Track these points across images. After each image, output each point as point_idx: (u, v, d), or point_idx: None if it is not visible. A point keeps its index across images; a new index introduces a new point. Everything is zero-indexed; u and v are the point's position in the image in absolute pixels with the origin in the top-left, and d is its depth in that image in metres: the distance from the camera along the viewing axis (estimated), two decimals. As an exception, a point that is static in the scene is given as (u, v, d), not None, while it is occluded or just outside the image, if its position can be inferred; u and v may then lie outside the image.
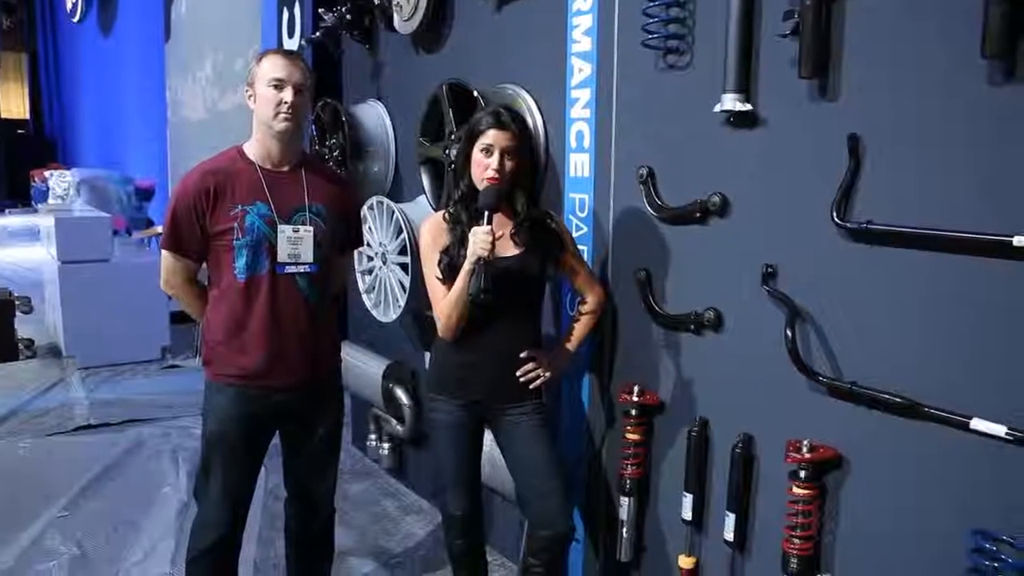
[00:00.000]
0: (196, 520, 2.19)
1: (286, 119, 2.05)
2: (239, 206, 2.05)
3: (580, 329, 2.24)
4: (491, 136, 2.03)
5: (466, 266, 1.99)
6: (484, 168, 2.02)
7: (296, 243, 2.09)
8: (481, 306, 1.99)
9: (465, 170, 2.08)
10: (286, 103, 2.03)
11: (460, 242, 2.06)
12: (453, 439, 2.18)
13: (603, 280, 2.32)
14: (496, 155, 2.02)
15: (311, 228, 2.11)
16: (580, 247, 2.32)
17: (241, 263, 2.06)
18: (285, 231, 2.07)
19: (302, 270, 2.10)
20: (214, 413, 2.14)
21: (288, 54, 2.12)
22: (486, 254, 1.94)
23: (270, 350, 2.09)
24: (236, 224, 2.04)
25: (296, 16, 4.24)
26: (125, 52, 9.77)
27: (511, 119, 2.06)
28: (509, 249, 2.09)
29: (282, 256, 2.08)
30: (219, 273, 2.11)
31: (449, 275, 2.07)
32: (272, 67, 2.04)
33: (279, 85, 2.03)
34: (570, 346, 2.24)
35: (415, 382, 3.38)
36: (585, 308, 2.23)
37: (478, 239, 1.95)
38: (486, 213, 1.98)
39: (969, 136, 1.51)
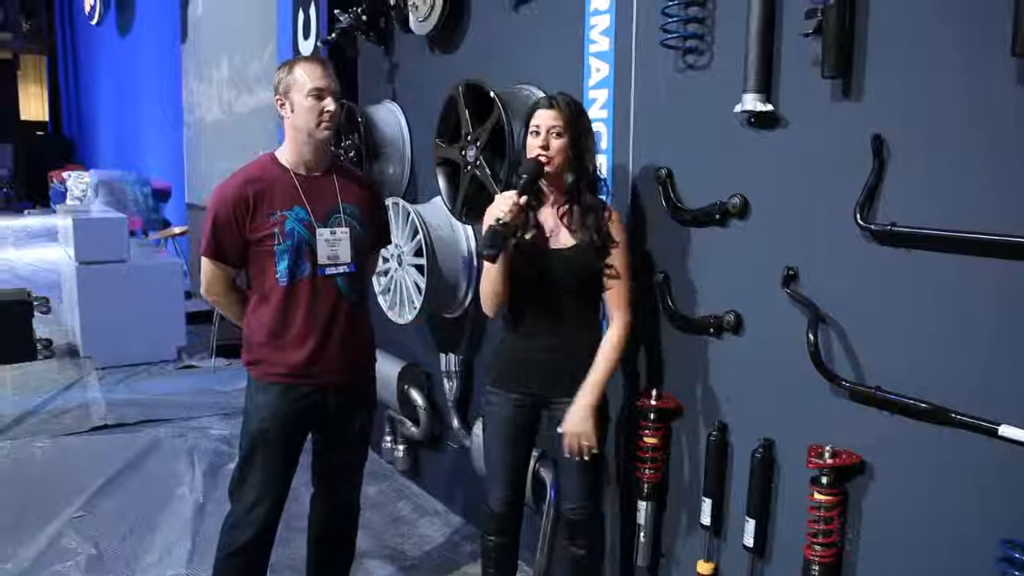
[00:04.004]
0: (230, 518, 2.21)
1: (328, 127, 2.10)
2: (278, 212, 2.10)
3: (598, 371, 2.05)
4: (538, 117, 2.03)
5: (485, 225, 1.98)
6: (533, 150, 2.03)
7: (334, 245, 2.14)
8: (489, 260, 1.97)
9: (524, 158, 2.08)
10: (329, 112, 2.09)
11: (522, 226, 2.05)
12: (502, 434, 2.18)
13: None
14: (543, 134, 2.01)
15: (347, 230, 2.16)
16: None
17: (283, 267, 2.10)
18: (323, 234, 2.12)
19: (341, 271, 2.16)
20: (257, 412, 2.17)
21: (322, 62, 2.17)
22: (504, 216, 1.94)
23: (314, 349, 2.14)
24: (277, 230, 2.09)
25: (312, 17, 4.24)
26: (142, 54, 9.84)
27: (561, 99, 2.04)
28: (566, 240, 2.07)
29: (322, 259, 2.13)
30: (261, 277, 2.14)
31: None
32: (311, 76, 2.08)
33: (319, 95, 2.07)
34: (586, 400, 2.03)
35: (430, 384, 3.37)
36: (605, 340, 2.07)
37: (501, 201, 1.97)
38: (521, 180, 1.98)
39: (997, 136, 1.48)
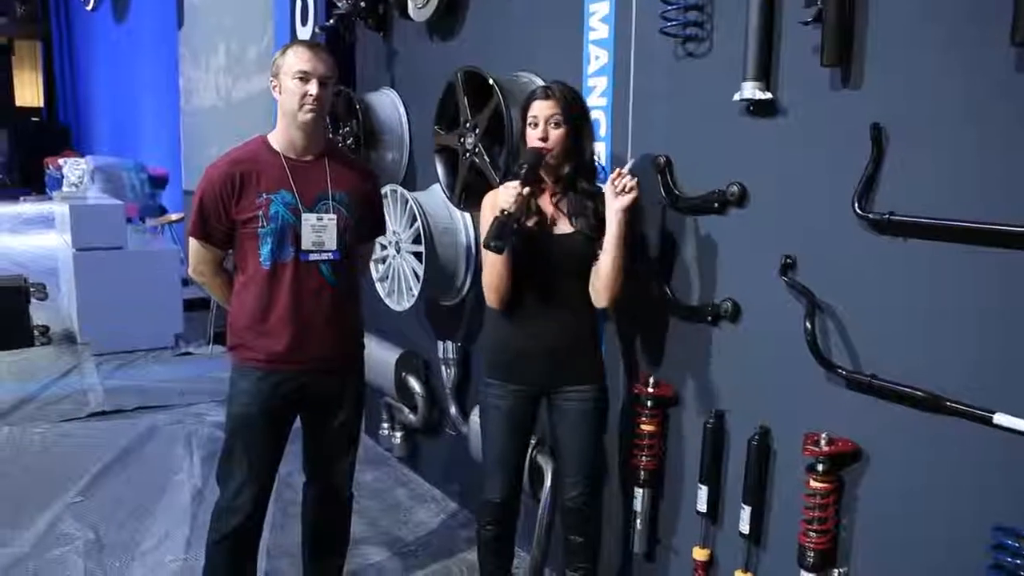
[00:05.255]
0: (219, 504, 2.22)
1: (311, 110, 2.09)
2: (264, 194, 2.09)
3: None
4: (535, 108, 2.03)
5: (486, 215, 2.00)
6: (532, 141, 2.04)
7: (320, 231, 2.12)
8: (496, 252, 1.97)
9: (523, 148, 2.08)
10: (311, 95, 2.07)
11: (525, 214, 2.06)
12: (501, 425, 2.18)
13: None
14: (541, 125, 2.02)
15: (334, 216, 2.15)
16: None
17: (266, 250, 2.10)
18: (309, 219, 2.11)
19: (325, 257, 2.14)
20: (238, 396, 2.18)
21: (314, 46, 2.16)
22: (509, 207, 1.94)
23: (294, 335, 2.13)
24: (261, 212, 2.08)
25: (309, 3, 4.22)
26: (138, 40, 9.79)
27: (558, 88, 2.05)
28: (564, 227, 2.08)
29: (306, 244, 2.12)
30: (245, 260, 2.15)
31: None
32: (298, 59, 2.08)
33: (304, 77, 2.07)
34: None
35: (428, 371, 3.38)
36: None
37: (505, 192, 1.96)
38: (522, 170, 1.98)
39: (996, 125, 1.48)
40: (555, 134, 2.02)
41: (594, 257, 2.07)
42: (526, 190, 1.97)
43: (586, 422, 2.14)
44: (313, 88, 2.07)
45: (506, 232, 1.94)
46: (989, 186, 1.49)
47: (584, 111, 2.09)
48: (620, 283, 2.05)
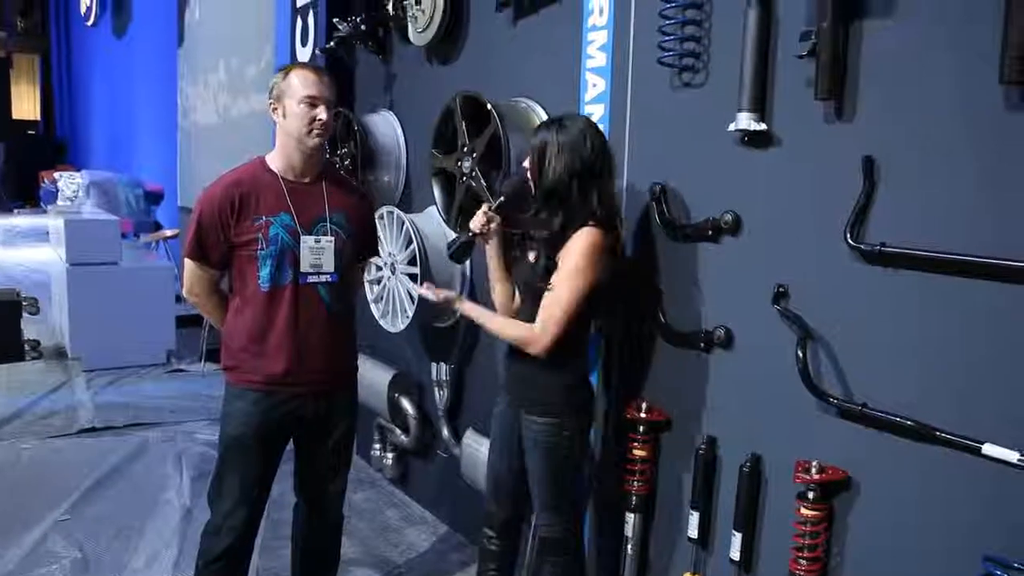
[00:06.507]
0: (208, 525, 2.20)
1: (319, 135, 2.10)
2: (263, 217, 2.09)
3: (486, 314, 2.15)
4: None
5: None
6: None
7: (318, 254, 2.13)
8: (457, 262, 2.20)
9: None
10: (320, 120, 2.08)
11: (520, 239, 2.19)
12: (495, 433, 2.23)
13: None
14: (528, 158, 2.08)
15: (332, 239, 2.15)
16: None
17: (265, 273, 2.10)
18: (307, 242, 2.12)
19: (324, 280, 2.15)
20: (232, 418, 2.17)
21: (317, 70, 2.17)
22: (476, 228, 2.07)
23: (292, 357, 2.13)
24: (260, 235, 2.08)
25: (310, 25, 4.25)
26: (137, 56, 9.83)
27: (542, 123, 2.10)
28: (532, 256, 2.11)
29: (304, 266, 2.12)
30: (242, 282, 2.14)
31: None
32: (305, 84, 2.08)
33: (313, 102, 2.07)
34: (468, 306, 2.19)
35: (420, 393, 3.38)
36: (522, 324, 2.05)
37: (477, 214, 2.08)
38: (501, 197, 2.11)
39: (986, 160, 1.51)
40: (531, 165, 2.05)
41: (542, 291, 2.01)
42: (489, 213, 2.06)
43: (538, 453, 2.09)
44: (323, 113, 2.07)
45: (463, 249, 2.08)
46: (979, 219, 1.52)
47: (551, 148, 1.96)
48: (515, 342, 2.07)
